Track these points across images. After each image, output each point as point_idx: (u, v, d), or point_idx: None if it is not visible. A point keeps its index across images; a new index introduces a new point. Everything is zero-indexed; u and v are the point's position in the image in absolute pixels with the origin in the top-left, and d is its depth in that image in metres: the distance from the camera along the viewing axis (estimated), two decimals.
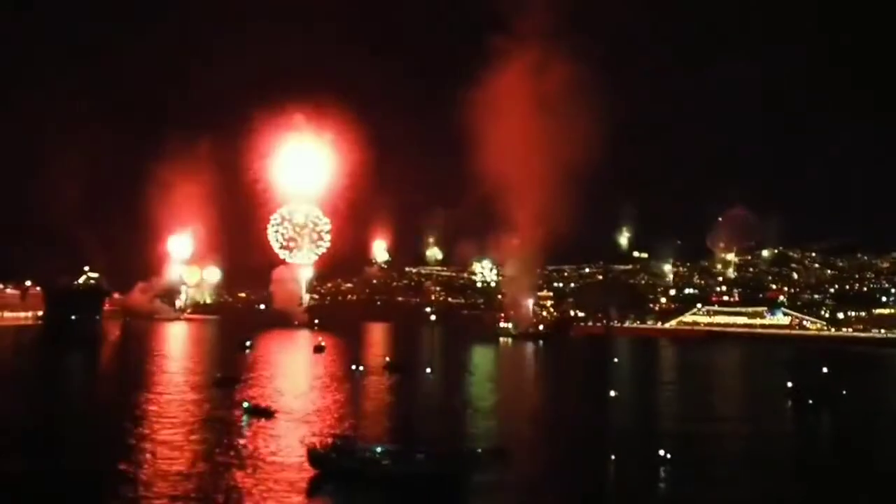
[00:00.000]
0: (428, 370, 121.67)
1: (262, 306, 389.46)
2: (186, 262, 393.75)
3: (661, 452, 59.02)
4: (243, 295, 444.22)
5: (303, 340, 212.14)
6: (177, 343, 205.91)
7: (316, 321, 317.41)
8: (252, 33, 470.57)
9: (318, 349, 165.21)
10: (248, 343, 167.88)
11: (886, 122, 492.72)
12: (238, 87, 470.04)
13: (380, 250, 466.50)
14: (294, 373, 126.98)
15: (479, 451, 57.19)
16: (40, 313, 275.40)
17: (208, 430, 68.54)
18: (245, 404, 79.11)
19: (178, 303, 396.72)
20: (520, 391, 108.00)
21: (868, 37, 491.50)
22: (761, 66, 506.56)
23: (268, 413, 76.16)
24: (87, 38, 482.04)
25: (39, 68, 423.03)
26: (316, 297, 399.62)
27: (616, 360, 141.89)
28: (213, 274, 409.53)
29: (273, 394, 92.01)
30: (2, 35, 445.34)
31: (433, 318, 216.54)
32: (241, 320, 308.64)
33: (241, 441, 64.24)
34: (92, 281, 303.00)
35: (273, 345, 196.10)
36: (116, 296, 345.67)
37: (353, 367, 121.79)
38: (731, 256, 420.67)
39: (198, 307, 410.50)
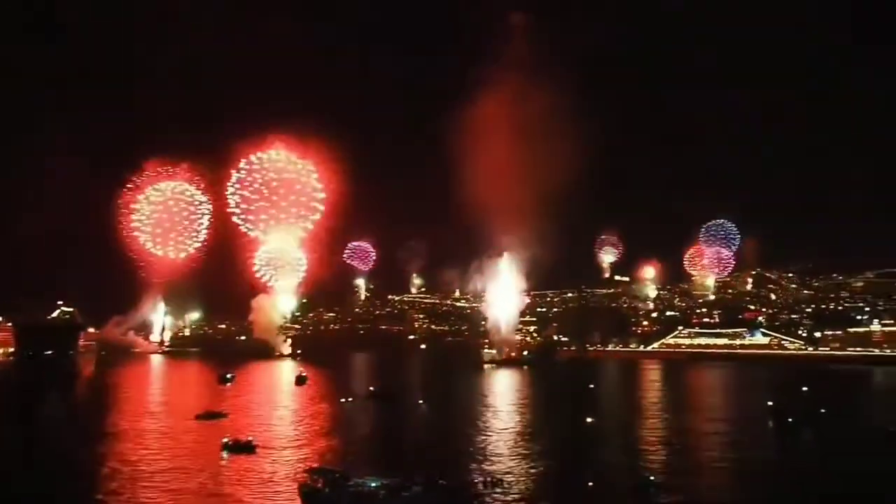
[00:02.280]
0: (420, 401, 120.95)
1: (243, 337, 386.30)
2: (164, 293, 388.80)
3: (647, 475, 59.14)
4: (223, 326, 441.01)
5: (285, 372, 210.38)
6: (155, 377, 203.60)
7: (298, 351, 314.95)
8: (233, 62, 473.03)
9: (300, 380, 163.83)
10: (228, 376, 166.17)
11: (860, 147, 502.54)
12: (219, 116, 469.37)
13: (362, 279, 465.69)
14: (277, 405, 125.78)
15: (476, 481, 56.83)
16: (11, 350, 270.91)
17: (190, 468, 67.77)
18: (225, 440, 78.21)
19: (156, 336, 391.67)
20: (507, 419, 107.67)
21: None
22: (747, 91, 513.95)
23: (249, 448, 75.38)
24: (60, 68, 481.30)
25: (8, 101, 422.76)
26: (298, 326, 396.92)
27: (592, 385, 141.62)
28: (192, 306, 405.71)
29: (255, 428, 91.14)
30: None
31: (423, 346, 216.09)
32: (221, 352, 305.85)
33: (226, 478, 63.54)
34: (66, 315, 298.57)
35: (254, 377, 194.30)
36: (92, 330, 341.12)
37: (343, 399, 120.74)
38: (709, 279, 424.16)
39: (177, 340, 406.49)
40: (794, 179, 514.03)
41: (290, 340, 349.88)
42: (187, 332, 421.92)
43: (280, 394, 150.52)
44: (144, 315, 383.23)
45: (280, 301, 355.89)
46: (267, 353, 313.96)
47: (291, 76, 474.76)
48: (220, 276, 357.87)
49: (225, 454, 73.74)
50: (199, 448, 77.83)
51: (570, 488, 58.63)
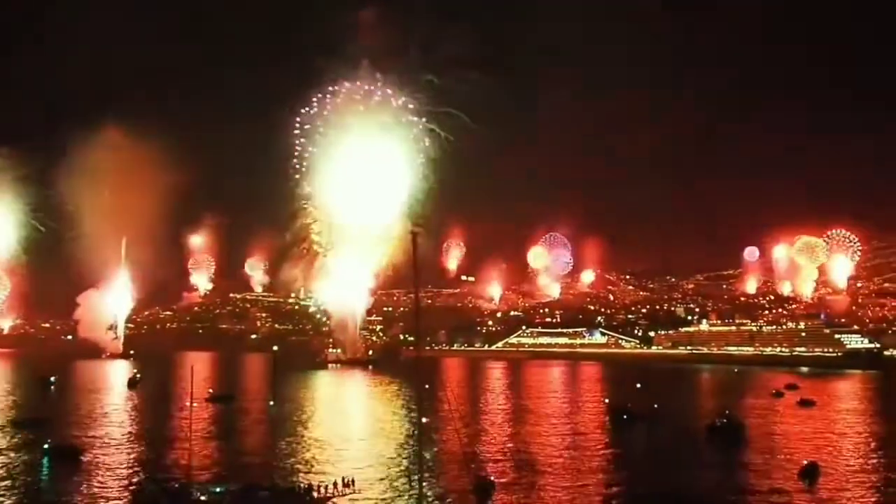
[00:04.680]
0: (271, 402, 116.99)
1: (69, 337, 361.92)
2: None
3: (486, 474, 59.25)
4: (48, 325, 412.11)
5: (116, 373, 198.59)
6: None
7: (131, 352, 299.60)
8: (70, 47, 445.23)
9: (133, 382, 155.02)
10: (52, 378, 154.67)
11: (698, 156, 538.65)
12: (56, 102, 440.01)
13: (202, 276, 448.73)
14: (106, 409, 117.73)
15: (325, 484, 55.00)
16: None
17: (6, 480, 61.39)
18: (46, 446, 71.38)
19: None
20: (352, 420, 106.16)
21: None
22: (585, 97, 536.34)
23: (74, 454, 69.51)
24: None
25: None
26: (131, 325, 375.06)
27: (428, 385, 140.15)
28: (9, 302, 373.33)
29: (82, 434, 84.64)
30: None
31: (275, 347, 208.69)
32: (44, 353, 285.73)
33: (48, 489, 58.12)
34: None
35: (81, 379, 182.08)
36: None
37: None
38: (552, 279, 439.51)
39: None
40: (632, 187, 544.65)
41: (122, 339, 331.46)
42: (5, 332, 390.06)
43: (110, 397, 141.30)
44: None
45: (111, 298, 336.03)
46: (95, 353, 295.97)
47: (132, 67, 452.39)
48: (44, 272, 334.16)
49: (46, 462, 67.62)
50: (16, 457, 71.00)
51: (411, 489, 57.77)
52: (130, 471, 64.19)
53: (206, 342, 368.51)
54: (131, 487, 55.70)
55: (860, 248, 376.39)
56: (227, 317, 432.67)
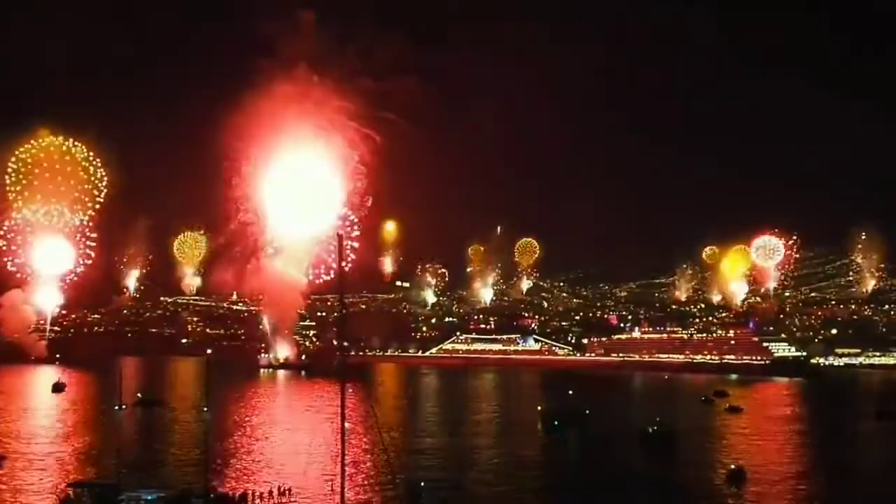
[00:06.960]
0: (205, 408, 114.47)
1: None
2: None
3: (417, 479, 59.51)
4: None
5: (41, 377, 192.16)
6: None
7: (57, 355, 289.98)
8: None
9: (58, 387, 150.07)
10: None
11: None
12: None
13: (132, 278, 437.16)
14: (30, 414, 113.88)
15: (261, 492, 54.31)
16: None
17: None
18: None
19: None
20: (283, 426, 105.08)
21: None
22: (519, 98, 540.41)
23: None
24: None
25: None
26: (58, 328, 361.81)
27: (356, 391, 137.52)
28: None
29: (4, 439, 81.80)
30: None
31: (209, 350, 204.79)
32: None
33: None
34: None
35: (3, 383, 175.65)
36: None
37: (116, 406, 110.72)
38: (487, 286, 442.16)
39: None
40: (567, 191, 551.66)
41: (48, 343, 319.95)
42: None
43: (34, 402, 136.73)
44: None
45: (38, 298, 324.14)
46: (19, 356, 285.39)
47: (61, 61, 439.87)
48: None
49: None
50: None
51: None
52: (56, 477, 62.42)
53: (135, 346, 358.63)
54: (57, 494, 54.07)
55: (790, 257, 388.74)
56: (158, 321, 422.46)
